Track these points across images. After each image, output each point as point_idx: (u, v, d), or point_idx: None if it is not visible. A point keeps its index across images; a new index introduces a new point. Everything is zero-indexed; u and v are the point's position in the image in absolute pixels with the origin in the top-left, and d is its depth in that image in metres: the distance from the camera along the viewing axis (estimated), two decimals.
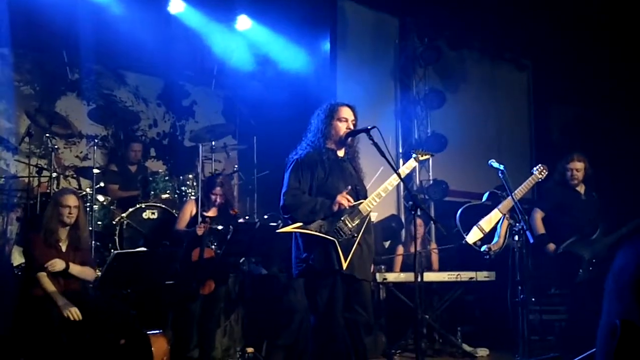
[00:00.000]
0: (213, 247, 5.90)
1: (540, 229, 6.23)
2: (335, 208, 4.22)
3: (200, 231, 5.67)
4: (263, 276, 6.71)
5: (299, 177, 4.30)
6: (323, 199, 4.26)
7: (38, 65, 7.92)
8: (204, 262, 5.64)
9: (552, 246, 6.14)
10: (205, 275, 5.66)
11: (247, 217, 7.10)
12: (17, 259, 6.03)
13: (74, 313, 4.67)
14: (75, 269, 4.96)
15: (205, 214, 5.96)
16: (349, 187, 4.34)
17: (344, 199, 4.22)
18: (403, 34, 8.94)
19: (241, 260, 6.37)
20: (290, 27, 8.15)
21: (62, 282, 4.91)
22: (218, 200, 6.04)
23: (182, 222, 6.05)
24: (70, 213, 5.05)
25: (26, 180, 6.89)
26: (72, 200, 5.09)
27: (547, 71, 9.77)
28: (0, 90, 7.42)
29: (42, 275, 4.82)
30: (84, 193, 6.57)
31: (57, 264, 4.86)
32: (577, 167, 6.22)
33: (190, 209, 6.09)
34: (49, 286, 4.80)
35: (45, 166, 6.76)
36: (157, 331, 5.10)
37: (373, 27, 8.76)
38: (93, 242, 6.18)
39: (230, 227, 5.93)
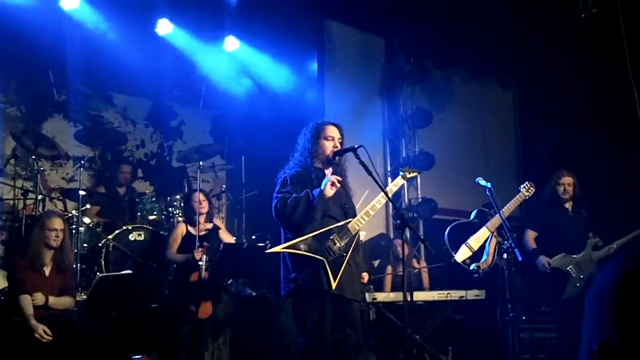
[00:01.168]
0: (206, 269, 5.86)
1: (533, 245, 6.25)
2: (329, 191, 4.16)
3: (198, 256, 5.66)
4: (252, 297, 6.66)
5: (289, 189, 4.28)
6: (313, 189, 4.22)
7: (24, 86, 7.89)
8: (203, 285, 5.61)
9: (544, 258, 6.12)
10: (201, 299, 5.62)
11: (234, 238, 7.06)
12: (1, 282, 5.94)
13: (42, 332, 4.60)
14: (52, 300, 4.90)
15: (199, 233, 5.96)
16: (331, 168, 4.31)
17: (335, 177, 4.18)
18: (389, 54, 8.99)
19: (229, 282, 6.33)
20: (278, 47, 8.19)
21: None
22: (203, 207, 6.04)
23: (174, 247, 6.00)
24: (56, 236, 4.99)
25: (11, 202, 6.82)
26: (58, 223, 5.03)
27: (533, 90, 9.84)
28: None
29: (24, 298, 4.76)
30: (70, 215, 6.53)
31: (38, 299, 4.81)
32: (568, 182, 6.26)
33: (180, 232, 6.06)
34: (27, 309, 4.73)
35: (31, 188, 6.70)
36: (141, 355, 5.03)
37: (359, 47, 8.81)
38: (79, 264, 6.12)
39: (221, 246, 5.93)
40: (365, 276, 4.64)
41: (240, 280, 6.55)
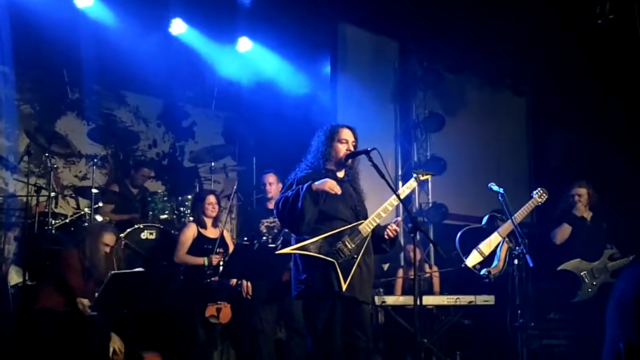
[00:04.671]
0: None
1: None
2: (318, 185, 4.13)
3: (215, 261, 5.70)
4: None
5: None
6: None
7: (38, 84, 7.93)
8: (218, 288, 5.66)
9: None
10: (219, 301, 5.67)
11: (245, 239, 7.07)
12: (14, 278, 5.98)
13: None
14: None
15: (208, 235, 6.00)
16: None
17: (333, 187, 4.14)
18: (403, 58, 8.99)
19: (238, 282, 6.34)
20: (291, 49, 8.20)
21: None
22: (215, 210, 6.08)
23: (183, 248, 6.02)
24: (106, 251, 5.29)
25: (24, 199, 6.85)
26: (110, 240, 5.33)
27: (546, 96, 9.82)
28: (1, 109, 7.43)
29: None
30: (82, 213, 6.56)
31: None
32: (579, 193, 6.36)
33: (192, 234, 6.08)
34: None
35: (44, 185, 6.73)
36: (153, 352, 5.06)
37: (373, 50, 8.80)
38: None
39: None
40: None
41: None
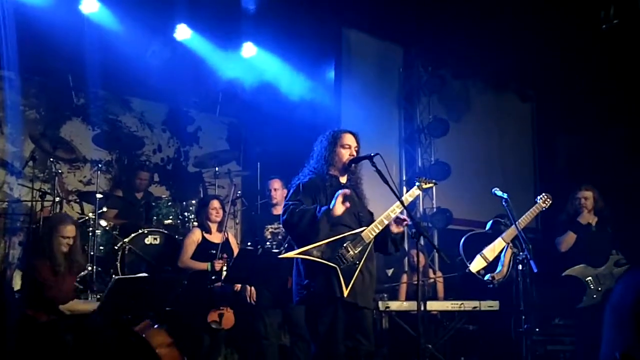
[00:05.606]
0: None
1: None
2: (338, 209, 4.14)
3: (218, 267, 5.71)
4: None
5: (299, 197, 4.29)
6: (326, 197, 4.22)
7: (44, 89, 7.96)
8: (222, 294, 5.66)
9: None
10: (222, 307, 5.67)
11: (249, 244, 7.08)
12: (19, 283, 6.00)
13: None
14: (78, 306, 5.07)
15: (212, 240, 6.01)
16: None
17: (343, 192, 4.16)
18: (407, 63, 9.00)
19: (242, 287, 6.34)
20: (295, 54, 8.20)
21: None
22: (219, 215, 6.10)
23: (187, 253, 6.03)
24: (67, 243, 5.18)
25: (29, 204, 6.88)
26: (70, 231, 5.21)
27: (552, 101, 9.79)
28: (7, 114, 7.46)
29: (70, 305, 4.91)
30: (87, 218, 6.58)
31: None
32: (586, 196, 6.32)
33: (196, 239, 6.09)
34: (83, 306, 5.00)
35: (49, 190, 6.75)
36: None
37: (377, 55, 8.81)
38: (94, 267, 6.16)
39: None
40: None
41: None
